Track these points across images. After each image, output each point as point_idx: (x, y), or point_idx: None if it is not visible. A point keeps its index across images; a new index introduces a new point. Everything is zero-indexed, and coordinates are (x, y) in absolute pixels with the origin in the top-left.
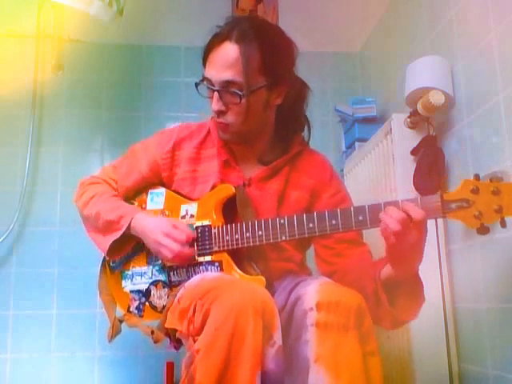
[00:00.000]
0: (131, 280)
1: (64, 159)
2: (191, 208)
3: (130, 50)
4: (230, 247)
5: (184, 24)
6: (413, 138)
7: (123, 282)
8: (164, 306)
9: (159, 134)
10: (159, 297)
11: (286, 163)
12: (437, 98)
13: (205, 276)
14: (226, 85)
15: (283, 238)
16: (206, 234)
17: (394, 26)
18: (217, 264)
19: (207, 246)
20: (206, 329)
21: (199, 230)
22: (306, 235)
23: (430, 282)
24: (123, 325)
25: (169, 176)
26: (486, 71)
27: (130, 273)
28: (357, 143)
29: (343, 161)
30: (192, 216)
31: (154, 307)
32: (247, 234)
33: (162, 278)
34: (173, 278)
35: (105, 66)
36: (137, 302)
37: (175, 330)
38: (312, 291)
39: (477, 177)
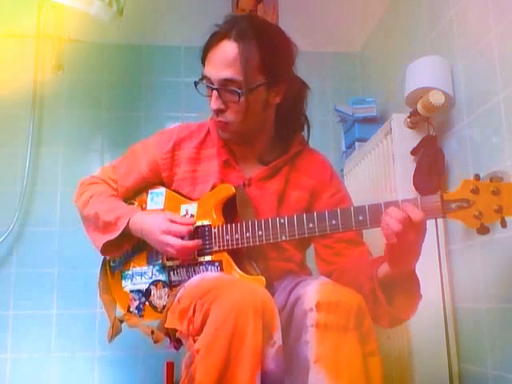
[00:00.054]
0: (131, 280)
1: (64, 159)
2: (191, 208)
3: (130, 50)
4: (230, 247)
5: (184, 24)
6: (413, 138)
7: (123, 281)
8: (164, 306)
9: (159, 134)
10: (159, 297)
11: (285, 163)
12: (437, 98)
13: (205, 276)
14: (225, 83)
15: (283, 237)
16: (206, 233)
17: (394, 26)
18: (217, 264)
19: (207, 246)
20: (205, 329)
21: (199, 230)
22: (306, 235)
23: (430, 282)
24: (123, 325)
25: (169, 176)
26: (485, 71)
27: (130, 273)
28: (357, 143)
29: (343, 161)
30: (192, 216)
31: (154, 307)
32: (247, 234)
33: (162, 277)
34: (173, 278)
35: (105, 66)
36: (137, 302)
37: (175, 330)
38: (312, 291)
39: (477, 177)
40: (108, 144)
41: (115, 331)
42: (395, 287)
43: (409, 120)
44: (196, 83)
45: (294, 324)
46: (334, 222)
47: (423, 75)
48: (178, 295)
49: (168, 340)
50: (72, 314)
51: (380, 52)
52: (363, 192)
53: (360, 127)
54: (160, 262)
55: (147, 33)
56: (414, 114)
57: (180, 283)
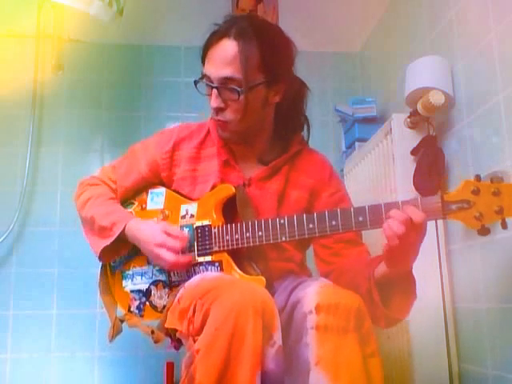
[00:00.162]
0: (132, 280)
1: (64, 159)
2: (191, 208)
3: (130, 50)
4: (230, 247)
5: (184, 24)
6: (413, 138)
7: (124, 281)
8: (164, 306)
9: (159, 134)
10: (159, 297)
11: (285, 162)
12: (437, 98)
13: (205, 276)
14: (225, 81)
15: (283, 238)
16: (206, 233)
17: (394, 26)
18: (217, 264)
19: (207, 246)
20: (205, 329)
21: (199, 230)
22: (306, 236)
23: (429, 282)
24: (123, 325)
25: (168, 176)
26: (486, 71)
27: (130, 273)
28: (357, 143)
29: (343, 161)
30: (192, 216)
31: (154, 307)
32: (247, 234)
33: (163, 277)
34: (173, 278)
35: (105, 66)
36: (137, 302)
37: (175, 330)
38: (311, 293)
39: (477, 177)
40: (108, 144)
41: (116, 331)
42: (392, 287)
43: (409, 120)
44: (196, 82)
45: (294, 326)
46: (334, 222)
47: (423, 75)
48: (178, 295)
49: (168, 340)
50: (72, 314)
51: (380, 52)
52: (363, 192)
53: (360, 127)
54: None
55: (147, 33)
56: (414, 113)
57: (180, 283)
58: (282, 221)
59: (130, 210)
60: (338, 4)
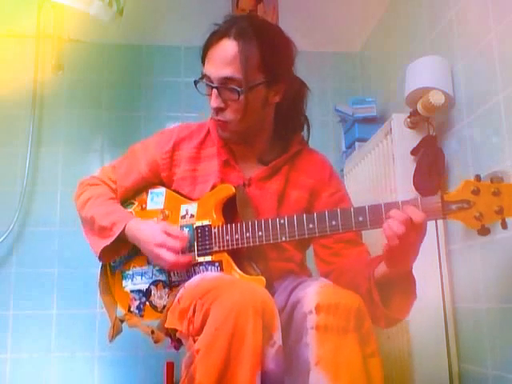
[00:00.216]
0: (131, 280)
1: (64, 159)
2: (191, 208)
3: (130, 50)
4: (230, 247)
5: (184, 24)
6: (413, 138)
7: (124, 281)
8: (164, 306)
9: (159, 134)
10: (159, 297)
11: (285, 162)
12: (437, 98)
13: (205, 276)
14: (225, 81)
15: (283, 238)
16: (206, 233)
17: (394, 26)
18: (217, 264)
19: (207, 246)
20: (205, 329)
21: (199, 230)
22: (306, 236)
23: (429, 282)
24: (123, 325)
25: (168, 176)
26: (486, 71)
27: (130, 272)
28: (357, 143)
29: (343, 161)
30: (192, 216)
31: (154, 307)
32: (247, 234)
33: (163, 277)
34: (173, 278)
35: (105, 66)
36: (137, 302)
37: (175, 330)
38: (311, 293)
39: (477, 177)
40: (108, 144)
41: (116, 331)
42: (392, 287)
43: (409, 120)
44: (196, 82)
45: (294, 326)
46: (334, 222)
47: (423, 75)
48: (178, 295)
49: (168, 340)
50: (72, 314)
51: (380, 52)
52: (363, 192)
53: (360, 127)
54: None
55: (147, 33)
56: (414, 113)
57: (180, 283)
58: (281, 221)
59: (130, 209)
60: (338, 4)
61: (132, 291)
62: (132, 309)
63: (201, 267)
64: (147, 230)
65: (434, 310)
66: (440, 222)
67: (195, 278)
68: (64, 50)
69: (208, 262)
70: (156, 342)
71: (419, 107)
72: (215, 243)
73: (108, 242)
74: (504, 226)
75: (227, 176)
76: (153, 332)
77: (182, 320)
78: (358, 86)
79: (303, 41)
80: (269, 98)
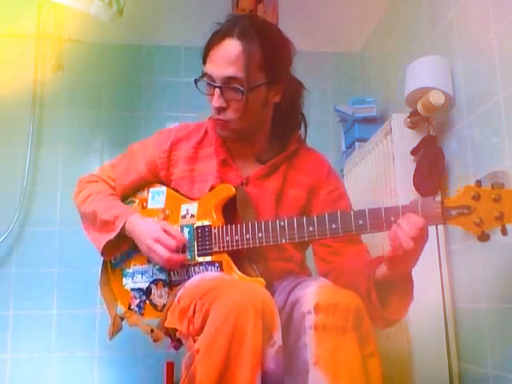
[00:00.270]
0: (132, 278)
1: (64, 159)
2: (192, 207)
3: (130, 50)
4: (230, 248)
5: (184, 24)
6: (413, 138)
7: (124, 279)
8: (164, 305)
9: (158, 134)
10: (160, 296)
11: (283, 161)
12: (437, 98)
13: (205, 276)
14: (228, 81)
15: (283, 240)
16: (206, 234)
17: (394, 26)
18: (217, 264)
19: (207, 247)
20: (206, 329)
21: (199, 230)
22: (306, 239)
23: (429, 282)
24: (123, 325)
25: (166, 175)
26: (486, 71)
27: (130, 271)
28: (357, 143)
29: (343, 161)
30: (193, 216)
31: (154, 306)
32: (247, 236)
33: (163, 277)
34: (173, 278)
35: (105, 66)
36: (137, 300)
37: (175, 330)
38: (310, 293)
39: (478, 183)
40: (108, 144)
41: (116, 329)
42: (390, 288)
43: (409, 120)
44: (196, 81)
45: (293, 326)
46: (334, 225)
47: (423, 75)
48: (178, 295)
49: (168, 340)
50: (72, 314)
51: (380, 52)
52: (363, 192)
53: (360, 127)
54: None
55: (147, 33)
56: (414, 114)
57: (180, 283)
58: (281, 223)
59: None
60: (338, 4)
61: (132, 289)
62: (132, 307)
63: (201, 267)
64: (146, 226)
65: (434, 309)
66: None
67: (195, 278)
68: (64, 50)
69: (208, 263)
70: (155, 340)
71: (419, 107)
72: (215, 244)
73: (111, 236)
74: (504, 232)
75: (225, 175)
76: (152, 331)
77: (182, 320)
78: (358, 86)
79: (303, 41)
80: (269, 98)
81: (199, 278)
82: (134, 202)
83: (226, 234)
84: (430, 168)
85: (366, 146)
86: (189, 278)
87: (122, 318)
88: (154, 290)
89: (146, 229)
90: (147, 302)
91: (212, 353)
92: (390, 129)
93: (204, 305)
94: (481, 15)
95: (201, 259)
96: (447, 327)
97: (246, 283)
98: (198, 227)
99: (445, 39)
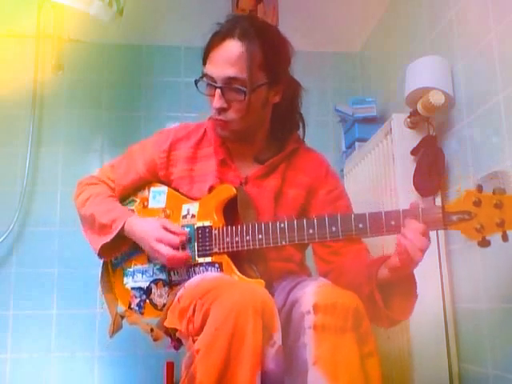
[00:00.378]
0: (132, 277)
1: (64, 159)
2: (192, 208)
3: (130, 50)
4: (230, 249)
5: (184, 24)
6: (413, 138)
7: (125, 278)
8: (164, 305)
9: (158, 134)
10: (160, 295)
11: (282, 160)
12: (437, 98)
13: (205, 276)
14: (229, 81)
15: (283, 242)
16: (207, 234)
17: (394, 26)
18: (217, 265)
19: (207, 247)
20: (205, 329)
21: (200, 231)
22: (306, 241)
23: (429, 282)
24: (123, 325)
25: (165, 175)
26: (486, 71)
27: (131, 270)
28: (357, 143)
29: (343, 161)
30: (193, 216)
31: (154, 305)
32: (247, 237)
33: (163, 276)
34: (173, 278)
35: (105, 66)
36: (138, 300)
37: (176, 330)
38: (309, 293)
39: (479, 188)
40: (108, 144)
41: (116, 327)
42: (393, 288)
43: (409, 120)
44: (196, 81)
45: (293, 326)
46: (334, 228)
47: (423, 75)
48: (178, 294)
49: (168, 340)
50: (72, 314)
51: (380, 52)
52: (363, 192)
53: (360, 127)
54: None
55: (147, 33)
56: (414, 114)
57: (180, 283)
58: (282, 225)
59: (131, 207)
60: (338, 4)
61: (133, 288)
62: (132, 306)
63: (201, 268)
64: (146, 226)
65: (434, 309)
66: None
67: (195, 278)
68: (64, 50)
69: (208, 263)
70: (155, 339)
71: (419, 107)
72: (215, 245)
73: (108, 238)
74: (505, 239)
75: (224, 175)
76: (152, 330)
77: (182, 319)
78: (358, 86)
79: (303, 41)
80: (269, 98)
81: (199, 278)
82: (135, 201)
83: (227, 235)
84: (430, 168)
85: (366, 145)
86: (189, 278)
87: (122, 317)
88: (154, 290)
89: (146, 229)
90: (147, 301)
91: (212, 353)
92: (390, 129)
93: (204, 305)
94: (481, 15)
95: (201, 260)
96: (447, 327)
97: (246, 283)
98: (198, 228)
99: (445, 39)
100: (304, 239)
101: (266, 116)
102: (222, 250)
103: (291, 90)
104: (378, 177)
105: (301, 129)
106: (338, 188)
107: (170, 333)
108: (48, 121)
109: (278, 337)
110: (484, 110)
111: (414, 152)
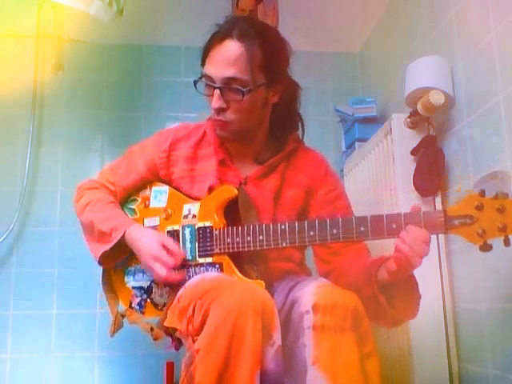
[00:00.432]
0: (133, 276)
1: (64, 159)
2: (194, 208)
3: (130, 50)
4: (231, 250)
5: (184, 24)
6: (413, 138)
7: (126, 277)
8: (165, 304)
9: (157, 134)
10: (160, 294)
11: (281, 160)
12: (437, 98)
13: (205, 276)
14: (228, 82)
15: (284, 244)
16: (208, 235)
17: (394, 26)
18: (217, 266)
19: (208, 248)
20: (205, 328)
21: (201, 231)
22: (307, 243)
23: (429, 282)
24: (124, 325)
25: (166, 175)
26: (485, 71)
27: (132, 269)
28: (357, 143)
29: (343, 161)
30: (194, 216)
31: (155, 304)
32: (248, 238)
33: None
34: None
35: (105, 66)
36: (138, 299)
37: (176, 329)
38: (308, 293)
39: (482, 192)
40: (108, 144)
41: (117, 326)
42: (394, 288)
43: (409, 120)
44: (196, 82)
45: (292, 326)
46: (334, 231)
47: (423, 75)
48: (178, 294)
49: (168, 340)
50: (72, 314)
51: (380, 52)
52: (363, 192)
53: (360, 127)
54: None
55: (147, 33)
56: (414, 114)
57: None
58: (283, 226)
59: (133, 206)
60: (338, 4)
61: (134, 287)
62: (133, 305)
63: (201, 268)
64: (145, 240)
65: (434, 310)
66: None
67: (195, 278)
68: (64, 50)
69: (208, 264)
70: (155, 339)
71: (419, 107)
72: (216, 245)
73: (107, 247)
74: (507, 243)
75: (224, 175)
76: (152, 329)
77: (182, 319)
78: (358, 85)
79: (303, 41)
80: (268, 98)
81: (199, 278)
82: (137, 200)
83: (227, 236)
84: (430, 168)
85: (366, 145)
86: (189, 278)
87: (123, 316)
88: (154, 289)
89: (145, 244)
90: (148, 300)
91: (212, 352)
92: (390, 129)
93: (204, 304)
94: (481, 15)
95: (201, 260)
96: (447, 327)
97: (246, 283)
98: (199, 228)
99: (445, 39)
100: (305, 241)
101: (265, 116)
102: (222, 251)
103: (290, 91)
104: (377, 177)
105: (300, 129)
106: (338, 188)
107: (171, 332)
108: (48, 121)
109: (277, 337)
110: (484, 110)
111: (413, 152)
